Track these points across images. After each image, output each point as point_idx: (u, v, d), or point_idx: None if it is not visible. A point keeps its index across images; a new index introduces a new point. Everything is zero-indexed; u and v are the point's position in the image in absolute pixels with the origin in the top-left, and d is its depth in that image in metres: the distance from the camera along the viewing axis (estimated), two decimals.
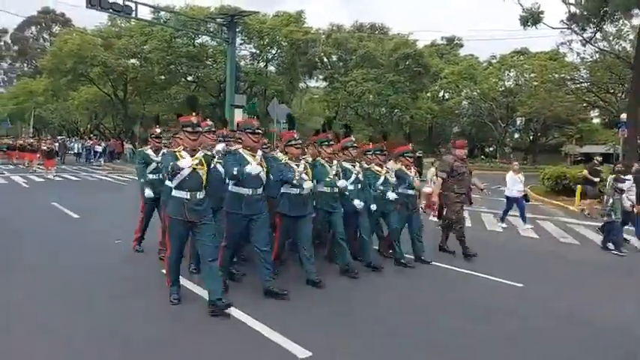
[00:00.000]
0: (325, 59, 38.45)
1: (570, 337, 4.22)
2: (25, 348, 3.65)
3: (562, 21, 21.29)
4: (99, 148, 29.03)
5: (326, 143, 5.66)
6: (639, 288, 6.10)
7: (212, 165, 4.52)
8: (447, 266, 6.37)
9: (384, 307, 4.77)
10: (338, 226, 5.59)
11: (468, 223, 9.50)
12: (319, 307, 4.63)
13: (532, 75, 36.19)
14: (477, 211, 11.64)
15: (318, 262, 5.39)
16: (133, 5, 18.27)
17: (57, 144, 26.92)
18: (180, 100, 31.09)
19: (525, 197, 10.49)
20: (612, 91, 30.34)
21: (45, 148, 20.63)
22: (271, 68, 35.18)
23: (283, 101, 26.80)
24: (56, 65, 29.83)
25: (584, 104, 33.11)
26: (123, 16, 21.13)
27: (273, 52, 34.10)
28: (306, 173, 5.16)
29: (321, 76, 39.63)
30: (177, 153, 4.24)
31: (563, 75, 30.94)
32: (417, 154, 7.45)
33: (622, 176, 8.24)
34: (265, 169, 4.72)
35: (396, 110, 37.05)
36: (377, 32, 40.70)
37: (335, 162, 5.76)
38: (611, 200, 7.92)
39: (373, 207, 5.93)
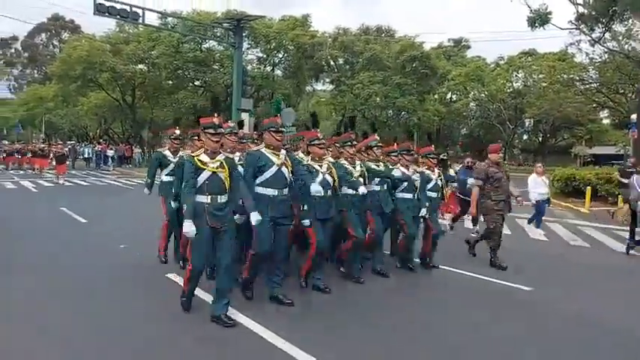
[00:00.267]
0: (332, 62, 38.45)
1: (576, 338, 4.16)
2: (25, 348, 3.67)
3: (570, 21, 21.14)
4: (110, 153, 29.26)
5: (349, 143, 5.44)
6: None
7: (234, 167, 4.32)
8: (455, 270, 6.29)
9: (390, 312, 4.72)
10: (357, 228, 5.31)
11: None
12: (323, 312, 4.60)
13: (540, 76, 35.94)
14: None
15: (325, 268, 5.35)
16: (140, 11, 18.45)
17: (67, 149, 27.13)
18: (187, 104, 31.30)
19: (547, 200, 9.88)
20: (622, 91, 30.05)
21: (56, 152, 20.69)
22: (278, 72, 35.31)
23: (290, 105, 26.85)
24: (65, 71, 30.15)
25: (594, 105, 32.84)
26: (130, 22, 21.32)
27: (280, 55, 34.21)
28: (330, 174, 4.99)
29: (327, 80, 39.64)
30: (195, 158, 4.08)
31: (572, 76, 30.71)
32: (442, 156, 7.12)
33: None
34: (290, 168, 4.57)
35: (403, 113, 36.96)
36: (383, 35, 40.67)
37: (358, 162, 5.54)
38: None
39: (388, 209, 5.69)
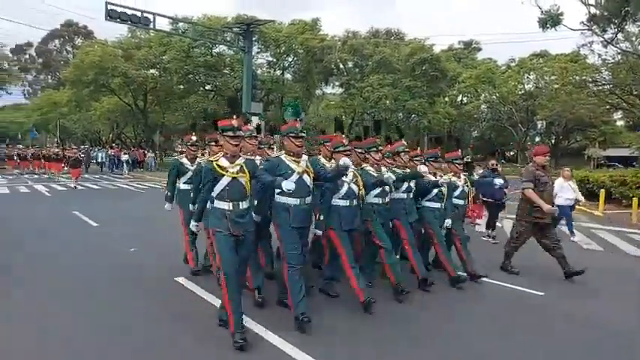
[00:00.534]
0: (341, 66, 38.48)
1: (580, 339, 4.11)
2: (25, 348, 3.70)
3: (582, 22, 20.89)
4: (125, 158, 29.55)
5: (374, 149, 5.17)
6: None
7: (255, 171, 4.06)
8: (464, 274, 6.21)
9: (399, 316, 4.68)
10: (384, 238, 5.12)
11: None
12: (330, 317, 4.58)
13: (552, 77, 35.57)
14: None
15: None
16: (151, 17, 18.65)
17: (81, 153, 27.42)
18: (198, 109, 31.51)
19: (573, 206, 9.49)
20: (636, 92, 29.55)
21: (70, 157, 20.80)
22: (288, 76, 35.42)
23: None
24: (78, 77, 30.54)
25: (607, 106, 32.33)
26: (141, 27, 21.54)
27: (290, 59, 34.32)
28: (356, 182, 4.76)
29: (337, 83, 39.67)
30: (214, 163, 3.87)
31: (584, 77, 30.33)
32: (466, 159, 6.80)
33: None
34: (313, 175, 4.33)
35: (413, 115, 36.82)
36: (393, 38, 40.62)
37: (384, 169, 5.31)
38: None
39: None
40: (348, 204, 4.66)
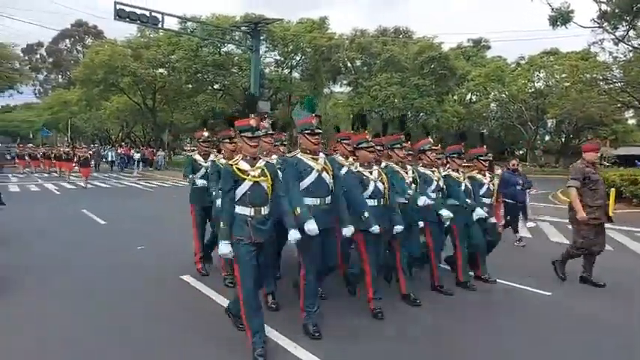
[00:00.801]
0: (349, 64, 38.44)
1: (580, 340, 4.06)
2: (25, 348, 3.73)
3: (593, 19, 20.67)
4: (136, 156, 29.73)
5: (398, 146, 4.91)
6: None
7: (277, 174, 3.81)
8: (471, 273, 6.18)
9: (409, 316, 4.67)
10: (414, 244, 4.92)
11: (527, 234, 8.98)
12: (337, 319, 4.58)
13: (563, 76, 35.23)
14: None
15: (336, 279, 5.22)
16: (159, 16, 18.75)
17: (92, 152, 27.63)
18: (206, 107, 31.65)
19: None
20: None
21: (80, 156, 20.94)
22: (296, 74, 35.45)
23: None
24: (88, 76, 30.82)
25: (618, 104, 31.96)
26: (150, 26, 21.66)
27: (298, 58, 34.33)
28: (381, 181, 4.44)
29: (345, 81, 39.66)
30: (234, 166, 3.59)
31: (595, 75, 29.99)
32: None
33: None
34: (331, 172, 4.10)
35: (421, 114, 36.68)
36: (401, 36, 40.47)
37: (409, 167, 5.07)
38: None
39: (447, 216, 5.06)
40: (375, 204, 4.36)
